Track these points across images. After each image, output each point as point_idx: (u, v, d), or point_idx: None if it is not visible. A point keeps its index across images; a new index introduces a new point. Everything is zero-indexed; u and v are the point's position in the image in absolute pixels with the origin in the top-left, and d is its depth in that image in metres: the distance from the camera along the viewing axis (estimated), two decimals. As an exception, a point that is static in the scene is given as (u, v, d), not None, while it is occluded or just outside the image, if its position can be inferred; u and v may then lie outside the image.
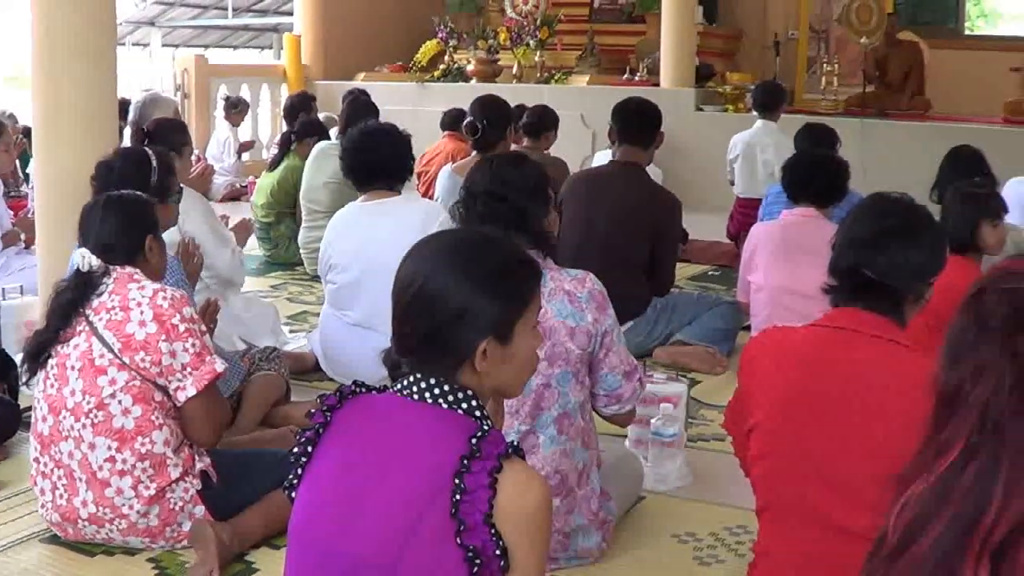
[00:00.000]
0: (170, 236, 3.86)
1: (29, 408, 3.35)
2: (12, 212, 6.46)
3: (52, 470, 3.07)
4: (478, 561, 1.67)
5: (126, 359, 2.95)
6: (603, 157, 7.01)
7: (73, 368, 2.99)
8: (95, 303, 3.02)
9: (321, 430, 1.83)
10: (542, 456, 2.91)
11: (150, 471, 3.00)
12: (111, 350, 2.96)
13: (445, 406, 1.78)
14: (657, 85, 10.64)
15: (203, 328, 3.12)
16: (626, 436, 3.84)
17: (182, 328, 2.99)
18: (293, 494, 1.84)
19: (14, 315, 4.70)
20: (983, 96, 10.51)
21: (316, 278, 5.84)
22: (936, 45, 11.18)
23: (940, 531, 1.17)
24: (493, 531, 1.67)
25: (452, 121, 7.72)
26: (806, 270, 3.93)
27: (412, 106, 10.92)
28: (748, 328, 5.12)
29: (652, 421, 3.66)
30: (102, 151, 4.07)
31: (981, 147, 5.22)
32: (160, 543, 3.09)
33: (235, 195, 10.47)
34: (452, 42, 12.19)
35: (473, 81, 11.59)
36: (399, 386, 1.82)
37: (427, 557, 1.68)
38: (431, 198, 6.38)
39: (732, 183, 7.99)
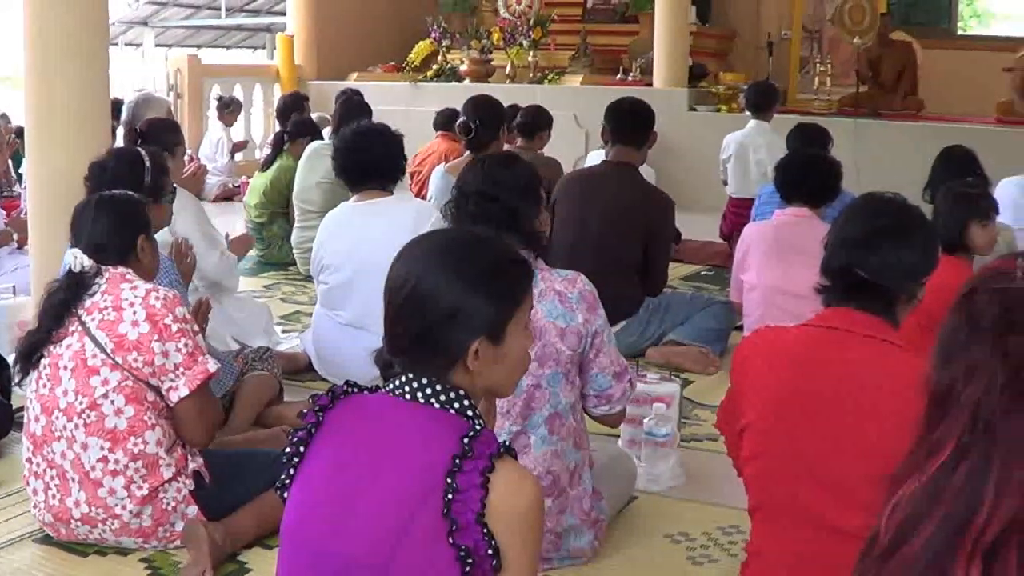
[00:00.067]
0: (162, 236, 3.86)
1: (22, 408, 3.34)
2: (5, 212, 6.44)
3: (45, 470, 3.07)
4: (470, 561, 1.67)
5: (119, 359, 2.95)
6: (596, 157, 7.00)
7: (66, 368, 2.99)
8: (87, 303, 3.02)
9: (313, 430, 1.83)
10: (533, 456, 2.90)
11: (143, 471, 2.99)
12: (104, 350, 2.96)
13: (437, 406, 1.78)
14: (650, 85, 10.66)
15: (196, 328, 3.11)
16: (619, 436, 3.84)
17: (175, 328, 2.99)
18: (285, 494, 1.84)
19: (6, 315, 4.68)
20: (976, 96, 10.54)
21: (309, 278, 5.83)
22: (929, 45, 11.21)
23: (932, 531, 1.17)
24: (485, 531, 1.67)
25: (445, 121, 7.72)
26: (799, 270, 3.94)
27: (405, 106, 10.92)
28: (741, 328, 5.13)
29: (645, 421, 3.66)
30: (95, 151, 4.06)
31: (973, 147, 5.22)
32: (153, 543, 3.09)
33: (228, 195, 10.45)
34: (445, 42, 12.20)
35: (466, 81, 11.59)
36: (391, 386, 1.82)
37: (419, 557, 1.68)
38: (424, 198, 6.38)
39: (725, 183, 7.99)
